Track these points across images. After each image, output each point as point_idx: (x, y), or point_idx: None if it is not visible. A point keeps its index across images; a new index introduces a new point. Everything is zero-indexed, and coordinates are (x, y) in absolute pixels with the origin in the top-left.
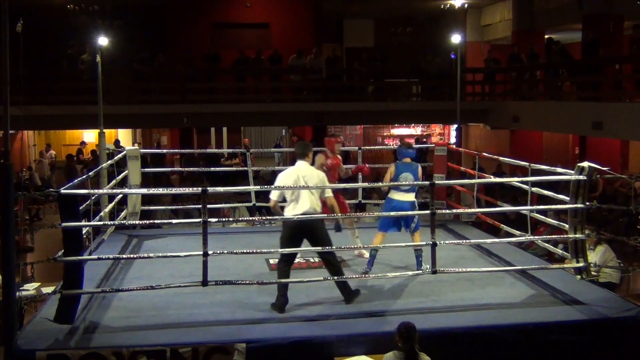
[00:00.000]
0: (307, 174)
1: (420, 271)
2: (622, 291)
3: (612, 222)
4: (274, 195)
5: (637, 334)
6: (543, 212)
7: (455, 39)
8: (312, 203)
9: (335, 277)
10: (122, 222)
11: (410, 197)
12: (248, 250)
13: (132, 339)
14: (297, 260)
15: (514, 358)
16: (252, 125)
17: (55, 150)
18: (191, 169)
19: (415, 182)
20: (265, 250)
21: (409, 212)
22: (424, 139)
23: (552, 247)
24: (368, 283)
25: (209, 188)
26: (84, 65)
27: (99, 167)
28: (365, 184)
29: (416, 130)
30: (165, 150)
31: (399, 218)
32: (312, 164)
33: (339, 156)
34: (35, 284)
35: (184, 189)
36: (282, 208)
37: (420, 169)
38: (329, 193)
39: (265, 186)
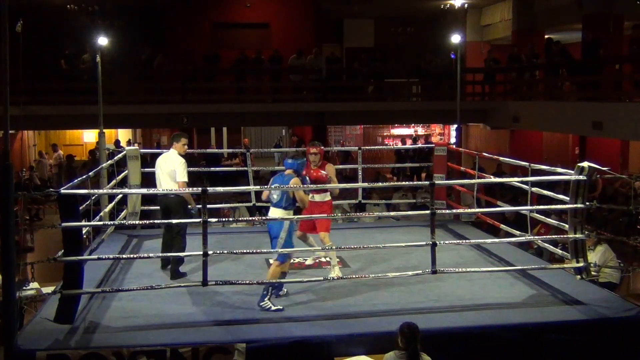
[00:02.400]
0: (164, 160)
1: (420, 271)
2: (622, 291)
3: (612, 222)
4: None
5: (637, 334)
6: (543, 212)
7: (455, 39)
8: (166, 184)
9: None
10: (122, 222)
11: (276, 212)
12: (248, 250)
13: (132, 339)
14: (297, 260)
15: (514, 358)
16: (252, 125)
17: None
18: (191, 168)
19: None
20: (265, 250)
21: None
22: (418, 140)
23: (551, 247)
24: (368, 283)
25: (209, 188)
26: (84, 65)
27: (99, 167)
28: (365, 184)
29: (416, 130)
30: (165, 150)
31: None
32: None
33: (322, 172)
34: (35, 284)
35: (183, 189)
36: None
37: (293, 180)
38: (181, 178)
39: (265, 186)
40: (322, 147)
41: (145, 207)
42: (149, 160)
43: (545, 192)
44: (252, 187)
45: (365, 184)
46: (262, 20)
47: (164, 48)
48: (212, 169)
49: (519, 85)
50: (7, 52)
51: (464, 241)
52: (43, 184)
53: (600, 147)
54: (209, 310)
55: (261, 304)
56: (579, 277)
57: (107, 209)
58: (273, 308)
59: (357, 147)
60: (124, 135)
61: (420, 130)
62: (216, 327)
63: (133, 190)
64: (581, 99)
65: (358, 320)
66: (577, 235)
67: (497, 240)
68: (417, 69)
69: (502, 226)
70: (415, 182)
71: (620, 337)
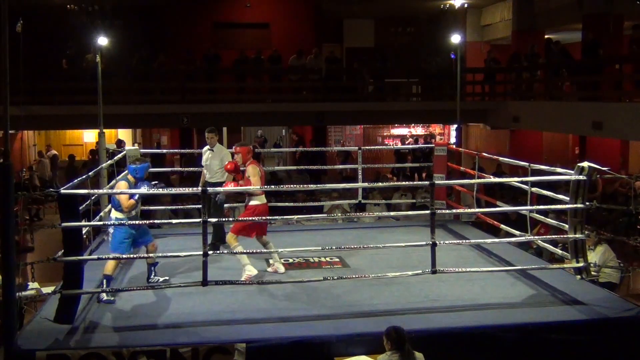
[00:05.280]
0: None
1: (420, 271)
2: (622, 291)
3: (612, 222)
4: None
5: (637, 334)
6: (543, 212)
7: (455, 39)
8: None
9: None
10: (122, 222)
11: (114, 212)
12: (248, 250)
13: (132, 339)
14: (297, 260)
15: (514, 358)
16: (252, 125)
17: (55, 150)
18: (191, 169)
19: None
20: (265, 251)
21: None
22: (419, 140)
23: (551, 247)
24: (368, 283)
25: (209, 188)
26: (87, 65)
27: (99, 167)
28: (366, 184)
29: (416, 130)
30: (165, 150)
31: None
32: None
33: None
34: (35, 284)
35: (184, 189)
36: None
37: (119, 184)
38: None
39: (265, 186)
40: (247, 147)
41: (145, 207)
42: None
43: (545, 192)
44: (252, 188)
45: (365, 184)
46: (262, 20)
47: (164, 48)
48: None
49: (519, 85)
50: (7, 52)
51: (464, 241)
52: (43, 184)
53: (600, 147)
54: (209, 310)
55: (151, 279)
56: (579, 277)
57: (107, 209)
58: (104, 299)
59: (357, 147)
60: (125, 135)
61: (420, 130)
62: (216, 327)
63: (133, 190)
64: (581, 99)
65: (358, 320)
66: (577, 235)
67: (497, 240)
68: (417, 69)
69: (502, 226)
70: (415, 182)
71: (620, 337)
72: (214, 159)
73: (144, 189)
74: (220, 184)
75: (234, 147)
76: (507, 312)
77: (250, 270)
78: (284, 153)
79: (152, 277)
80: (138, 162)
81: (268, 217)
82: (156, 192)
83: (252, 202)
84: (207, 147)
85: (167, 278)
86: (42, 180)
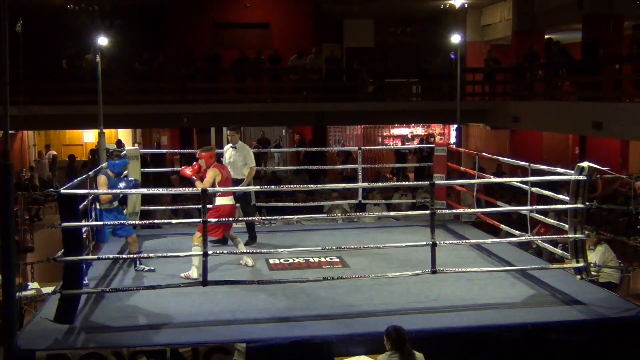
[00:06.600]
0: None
1: (420, 271)
2: (622, 291)
3: (612, 222)
4: None
5: (637, 334)
6: (543, 212)
7: (455, 39)
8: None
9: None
10: (122, 222)
11: None
12: (248, 250)
13: (132, 339)
14: (297, 260)
15: (513, 358)
16: (252, 125)
17: (55, 150)
18: None
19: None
20: (265, 251)
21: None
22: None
23: (551, 247)
24: (368, 283)
25: (209, 188)
26: (87, 65)
27: (99, 167)
28: (365, 184)
29: (416, 130)
30: (165, 150)
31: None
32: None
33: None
34: (35, 284)
35: (184, 189)
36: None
37: (98, 177)
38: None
39: (266, 186)
40: (209, 152)
41: (145, 207)
42: (149, 160)
43: (545, 192)
44: (252, 187)
45: (365, 184)
46: (262, 20)
47: (165, 48)
48: None
49: (519, 85)
50: (7, 52)
51: (464, 241)
52: (43, 184)
53: (600, 147)
54: (209, 310)
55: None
56: (579, 277)
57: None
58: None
59: (357, 147)
60: (125, 135)
61: (420, 130)
62: (216, 327)
63: (133, 190)
64: (581, 99)
65: (358, 320)
66: (577, 235)
67: (497, 240)
68: (417, 69)
69: (502, 226)
70: (415, 182)
71: (620, 337)
72: (238, 156)
73: (122, 185)
74: (242, 181)
75: (198, 152)
76: (507, 312)
77: (193, 273)
78: (284, 153)
79: (137, 265)
80: (117, 158)
81: (269, 217)
82: (157, 192)
83: (217, 202)
84: (230, 145)
85: (152, 268)
86: (41, 181)
